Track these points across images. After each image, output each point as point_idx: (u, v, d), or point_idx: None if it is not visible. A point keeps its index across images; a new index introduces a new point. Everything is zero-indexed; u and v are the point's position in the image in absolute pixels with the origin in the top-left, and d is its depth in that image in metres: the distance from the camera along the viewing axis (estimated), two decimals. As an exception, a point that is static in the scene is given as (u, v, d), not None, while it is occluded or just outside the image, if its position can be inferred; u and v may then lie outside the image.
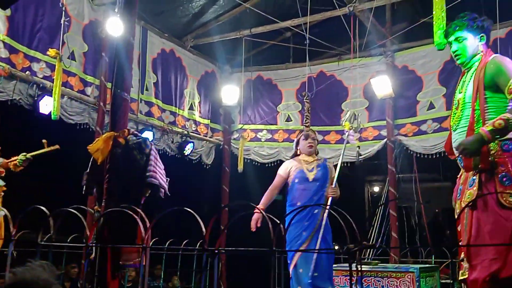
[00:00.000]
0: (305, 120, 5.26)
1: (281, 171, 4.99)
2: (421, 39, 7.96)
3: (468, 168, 3.05)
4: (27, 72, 6.02)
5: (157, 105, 7.94)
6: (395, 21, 8.38)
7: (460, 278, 3.06)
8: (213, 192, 9.24)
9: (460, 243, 3.07)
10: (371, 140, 8.38)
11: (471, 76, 3.13)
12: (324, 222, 4.62)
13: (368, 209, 13.00)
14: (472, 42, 3.20)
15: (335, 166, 4.98)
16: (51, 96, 5.83)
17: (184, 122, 8.50)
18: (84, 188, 3.57)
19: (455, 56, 3.27)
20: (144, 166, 3.33)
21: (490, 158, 2.92)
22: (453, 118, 3.22)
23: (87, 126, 6.79)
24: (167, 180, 3.54)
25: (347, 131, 4.93)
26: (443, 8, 4.83)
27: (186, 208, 2.46)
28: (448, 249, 6.25)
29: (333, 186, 4.80)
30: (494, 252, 2.80)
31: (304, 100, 5.56)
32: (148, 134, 7.24)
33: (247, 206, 2.30)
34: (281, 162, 8.83)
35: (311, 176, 4.87)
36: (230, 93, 8.83)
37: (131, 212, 2.58)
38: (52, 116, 5.77)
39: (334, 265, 4.88)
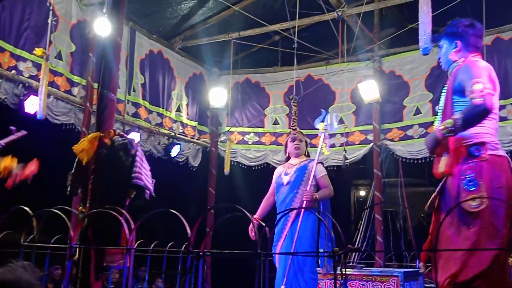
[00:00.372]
0: (292, 124, 5.25)
1: (273, 178, 5.03)
2: (408, 45, 8.02)
3: (436, 174, 3.09)
4: (13, 71, 5.97)
5: (144, 106, 7.91)
6: (383, 27, 8.45)
7: None
8: (199, 195, 9.21)
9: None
10: (358, 144, 8.43)
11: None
12: (299, 226, 4.54)
13: (354, 212, 13.06)
14: (447, 49, 3.24)
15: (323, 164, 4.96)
16: (37, 95, 5.78)
17: (171, 124, 8.47)
18: (68, 189, 3.54)
19: (440, 63, 3.35)
20: (129, 167, 3.31)
21: (457, 163, 2.95)
22: (435, 123, 3.28)
23: (73, 127, 6.74)
24: (153, 181, 3.52)
25: (321, 133, 4.88)
26: (429, 14, 4.88)
27: (171, 210, 2.44)
28: (433, 253, 6.28)
29: (307, 188, 4.68)
30: (454, 256, 2.82)
31: (292, 104, 5.55)
32: (134, 135, 7.20)
33: (233, 209, 2.29)
34: (268, 165, 8.91)
35: (285, 180, 4.87)
36: (218, 95, 8.84)
37: (115, 213, 2.56)
38: (38, 116, 5.72)
39: (318, 269, 4.84)
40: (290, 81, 8.66)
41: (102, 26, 5.70)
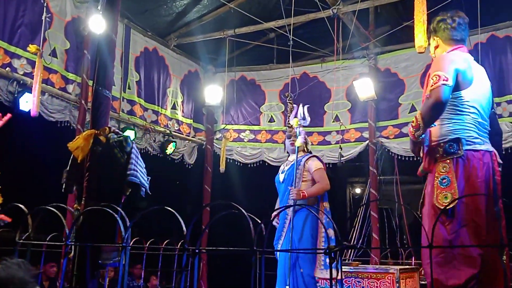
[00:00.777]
0: (288, 121, 5.25)
1: None
2: (403, 42, 8.04)
3: (418, 173, 3.18)
4: (7, 69, 5.93)
5: (139, 103, 7.89)
6: (378, 24, 8.45)
7: None
8: (195, 192, 9.21)
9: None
10: (353, 141, 8.43)
11: None
12: (292, 224, 4.55)
13: (350, 210, 13.08)
14: (431, 47, 3.32)
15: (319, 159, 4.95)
16: (32, 93, 5.75)
17: (167, 121, 8.45)
18: (64, 186, 3.53)
19: None
20: (125, 165, 3.31)
21: (434, 160, 2.97)
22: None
23: (68, 124, 6.71)
24: (148, 179, 3.52)
25: (296, 128, 4.83)
26: (424, 11, 4.88)
27: (166, 207, 2.44)
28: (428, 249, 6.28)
29: (299, 186, 4.67)
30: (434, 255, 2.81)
31: (287, 101, 5.55)
32: (130, 133, 7.19)
33: (229, 206, 2.29)
34: (264, 162, 8.91)
35: (281, 177, 4.88)
36: (213, 93, 8.82)
37: (111, 211, 2.55)
38: (32, 113, 5.70)
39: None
40: (286, 79, 8.66)
41: (97, 24, 5.67)
